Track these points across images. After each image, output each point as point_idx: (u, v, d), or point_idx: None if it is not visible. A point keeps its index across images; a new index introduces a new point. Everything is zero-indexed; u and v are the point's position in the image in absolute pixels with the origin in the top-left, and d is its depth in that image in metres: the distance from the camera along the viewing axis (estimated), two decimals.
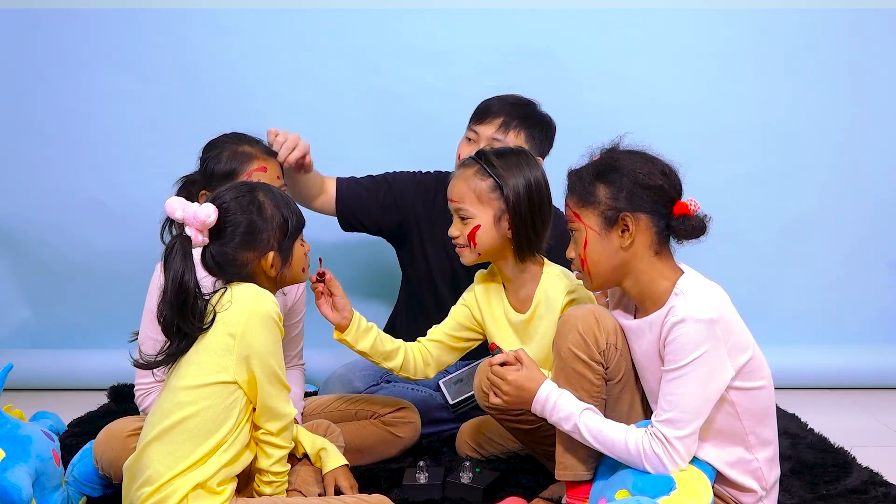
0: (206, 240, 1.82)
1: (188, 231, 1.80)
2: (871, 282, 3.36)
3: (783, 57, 3.24)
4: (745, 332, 1.88)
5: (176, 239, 1.80)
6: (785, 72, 3.25)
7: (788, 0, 3.21)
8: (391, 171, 2.85)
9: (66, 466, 2.12)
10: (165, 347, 1.83)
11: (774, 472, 1.94)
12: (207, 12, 3.19)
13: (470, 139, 2.61)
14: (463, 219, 2.17)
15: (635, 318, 1.94)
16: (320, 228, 3.25)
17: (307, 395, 2.64)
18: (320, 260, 2.24)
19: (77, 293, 3.27)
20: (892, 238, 3.35)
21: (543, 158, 2.64)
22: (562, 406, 1.88)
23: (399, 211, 2.78)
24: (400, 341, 2.32)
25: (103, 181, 3.22)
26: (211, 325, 1.79)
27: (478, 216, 2.14)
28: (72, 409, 2.83)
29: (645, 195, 1.83)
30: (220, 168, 2.27)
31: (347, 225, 2.81)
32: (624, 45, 3.22)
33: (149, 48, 3.21)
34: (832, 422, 2.72)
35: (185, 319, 1.78)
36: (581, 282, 2.01)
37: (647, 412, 1.98)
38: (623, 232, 1.84)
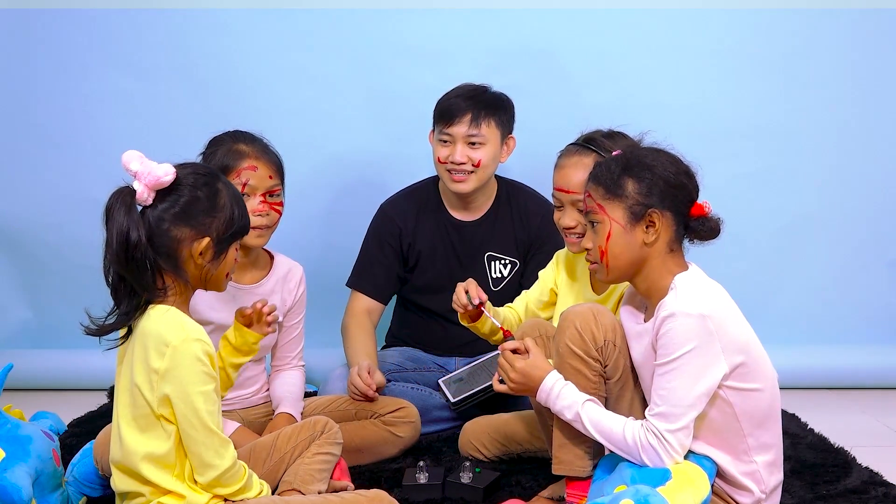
0: (151, 200, 1.74)
1: (136, 185, 1.72)
2: (871, 282, 3.36)
3: (783, 57, 3.24)
4: (744, 332, 1.88)
5: (121, 192, 1.73)
6: (785, 72, 3.25)
7: (788, 0, 3.21)
8: (383, 200, 2.88)
9: (66, 466, 2.12)
10: (116, 309, 1.75)
11: (775, 477, 1.94)
12: (207, 12, 3.19)
13: (446, 141, 2.67)
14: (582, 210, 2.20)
15: (645, 320, 1.94)
16: (319, 228, 3.27)
17: (307, 395, 2.64)
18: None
19: (77, 293, 3.25)
20: (892, 238, 3.35)
21: (511, 134, 2.74)
22: (565, 395, 1.89)
23: (401, 236, 2.81)
24: (503, 310, 2.39)
25: (103, 181, 3.17)
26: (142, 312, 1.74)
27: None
28: (72, 409, 2.83)
29: (671, 193, 1.86)
30: (214, 163, 2.29)
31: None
32: (624, 45, 3.22)
33: (149, 48, 3.21)
34: (832, 422, 2.72)
35: (135, 275, 1.70)
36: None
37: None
38: (648, 228, 1.86)
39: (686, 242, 1.93)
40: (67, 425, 2.65)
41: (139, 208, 1.74)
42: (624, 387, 1.97)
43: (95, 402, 2.95)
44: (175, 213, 1.75)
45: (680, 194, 1.87)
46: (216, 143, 2.35)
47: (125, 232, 1.69)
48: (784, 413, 2.81)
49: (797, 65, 3.25)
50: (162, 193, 1.75)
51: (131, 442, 1.74)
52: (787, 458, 2.39)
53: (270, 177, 2.33)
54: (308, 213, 3.16)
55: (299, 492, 1.96)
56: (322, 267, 3.02)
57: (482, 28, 3.21)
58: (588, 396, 1.90)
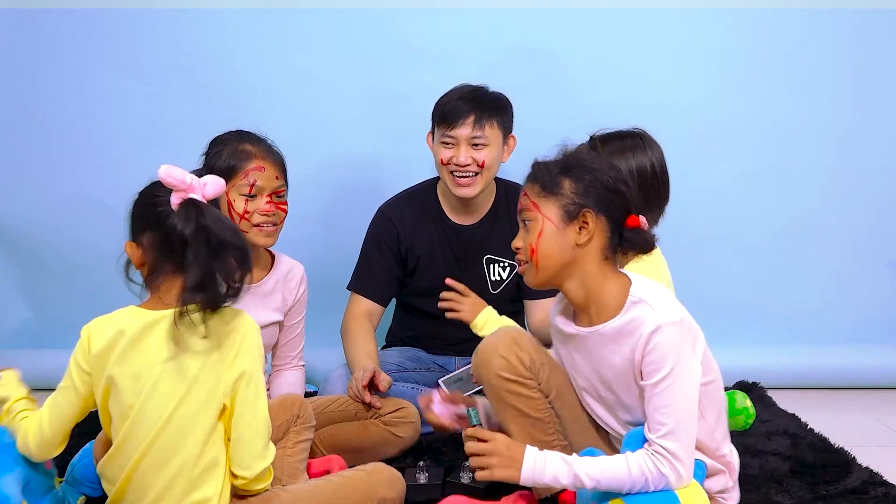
0: None
1: (195, 195, 1.72)
2: (871, 282, 3.35)
3: (783, 57, 3.24)
4: (696, 325, 1.88)
5: (194, 204, 1.70)
6: (785, 72, 3.25)
7: (788, 0, 3.21)
8: (382, 203, 2.87)
9: (65, 467, 2.12)
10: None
11: (736, 459, 1.96)
12: (207, 12, 3.19)
13: (449, 144, 2.66)
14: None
15: (577, 324, 1.91)
16: (319, 228, 3.27)
17: (307, 395, 2.64)
18: None
19: (77, 293, 3.27)
20: (892, 238, 3.35)
21: (511, 133, 2.74)
22: (552, 461, 1.78)
23: (399, 239, 2.80)
24: None
25: (103, 181, 3.21)
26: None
27: None
28: None
29: (607, 198, 1.84)
30: (220, 164, 2.28)
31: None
32: (624, 45, 3.22)
33: (149, 48, 3.21)
34: (832, 422, 2.71)
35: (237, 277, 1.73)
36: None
37: (592, 424, 1.98)
38: (581, 229, 1.84)
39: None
40: None
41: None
42: (562, 406, 1.96)
43: None
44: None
45: (616, 200, 1.85)
46: (220, 144, 2.35)
47: (231, 229, 1.73)
48: (784, 413, 2.82)
49: (797, 65, 3.25)
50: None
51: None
52: (787, 459, 2.39)
53: (277, 177, 2.33)
54: (308, 213, 3.16)
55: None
56: (322, 267, 3.02)
57: (482, 28, 3.20)
58: (575, 456, 1.79)
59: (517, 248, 1.92)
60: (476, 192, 2.69)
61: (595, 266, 1.85)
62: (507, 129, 2.72)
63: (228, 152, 2.31)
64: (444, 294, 2.52)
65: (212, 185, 1.73)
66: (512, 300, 2.84)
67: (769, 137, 3.27)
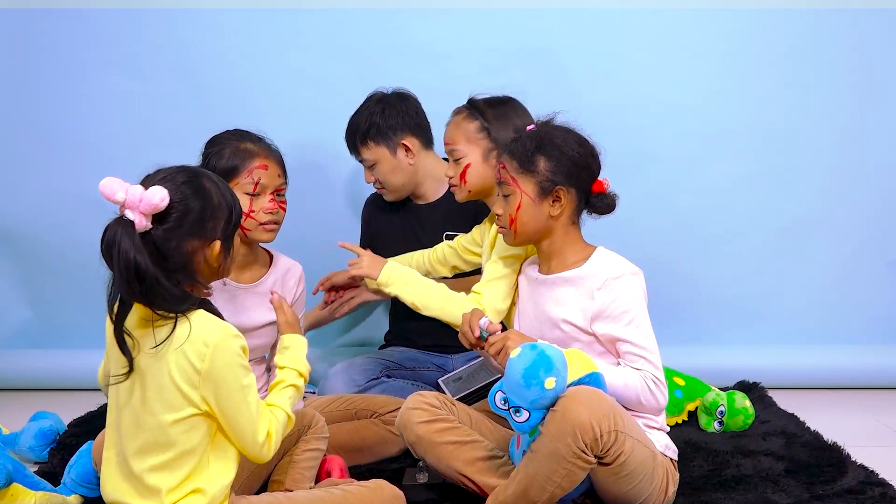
0: (150, 225, 1.67)
1: (130, 215, 1.65)
2: (871, 282, 3.35)
3: (783, 57, 3.24)
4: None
5: (116, 225, 1.65)
6: (785, 72, 3.25)
7: (788, 0, 3.21)
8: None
9: (63, 467, 2.12)
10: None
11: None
12: (207, 12, 3.19)
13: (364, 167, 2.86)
14: (456, 159, 2.40)
15: (541, 273, 2.15)
16: (319, 228, 3.27)
17: (307, 395, 2.63)
18: None
19: (77, 293, 3.27)
20: (892, 238, 3.35)
21: (404, 139, 2.78)
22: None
23: (369, 222, 3.01)
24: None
25: None
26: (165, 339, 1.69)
27: (468, 155, 2.37)
28: (72, 409, 2.82)
29: (576, 173, 2.07)
30: (221, 164, 2.27)
31: None
32: (624, 45, 3.22)
33: (149, 48, 3.22)
34: (831, 422, 2.71)
35: (155, 298, 1.67)
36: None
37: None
38: (554, 202, 2.07)
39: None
40: (67, 425, 2.65)
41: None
42: (484, 431, 2.14)
43: (95, 402, 2.95)
44: (180, 230, 1.71)
45: (584, 173, 2.08)
46: (219, 143, 2.33)
47: (134, 264, 1.63)
48: (783, 412, 2.82)
49: (798, 65, 3.25)
50: (157, 214, 1.69)
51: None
52: (784, 458, 2.39)
53: (279, 175, 2.33)
54: (308, 213, 3.16)
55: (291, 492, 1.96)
56: (320, 266, 3.01)
57: (482, 28, 3.21)
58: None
59: (498, 215, 2.14)
60: (392, 199, 2.88)
61: (563, 229, 2.11)
62: (390, 139, 2.77)
63: (230, 151, 2.30)
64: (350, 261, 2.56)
65: (147, 202, 1.66)
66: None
67: (769, 137, 3.27)
